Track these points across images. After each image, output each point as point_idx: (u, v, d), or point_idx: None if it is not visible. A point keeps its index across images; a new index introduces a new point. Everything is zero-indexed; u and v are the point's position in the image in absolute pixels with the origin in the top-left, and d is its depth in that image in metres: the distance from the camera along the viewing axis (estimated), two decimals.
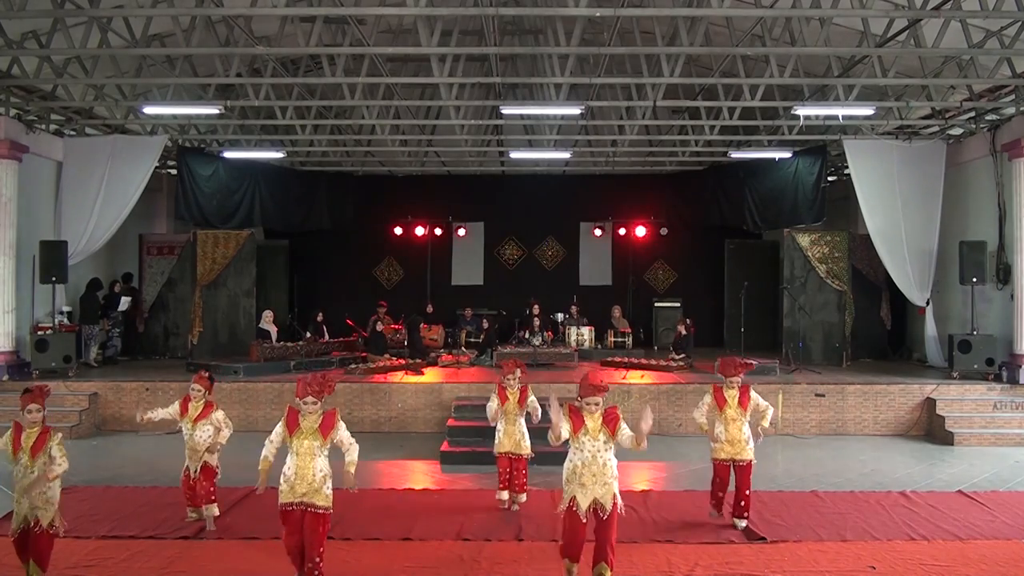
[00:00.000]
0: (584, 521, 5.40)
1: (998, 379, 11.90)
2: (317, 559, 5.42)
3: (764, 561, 6.26)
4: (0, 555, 6.08)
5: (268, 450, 5.60)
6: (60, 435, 5.61)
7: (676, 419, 11.52)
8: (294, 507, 5.38)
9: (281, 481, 5.45)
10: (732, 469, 7.12)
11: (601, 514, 5.39)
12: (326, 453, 5.51)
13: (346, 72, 11.78)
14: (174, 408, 7.06)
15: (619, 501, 5.45)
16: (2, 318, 11.99)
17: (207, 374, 7.21)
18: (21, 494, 5.41)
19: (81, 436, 11.06)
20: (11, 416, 11.54)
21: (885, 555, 6.38)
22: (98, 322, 14.09)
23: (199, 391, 7.04)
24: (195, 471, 6.96)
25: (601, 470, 5.38)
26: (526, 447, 7.60)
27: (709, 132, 14.25)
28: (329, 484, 5.47)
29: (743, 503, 7.05)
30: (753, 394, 7.21)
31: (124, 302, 14.69)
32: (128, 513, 7.40)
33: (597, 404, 5.46)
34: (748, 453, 7.10)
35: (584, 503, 5.38)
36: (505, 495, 7.60)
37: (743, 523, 7.04)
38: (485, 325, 15.39)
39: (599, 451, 5.40)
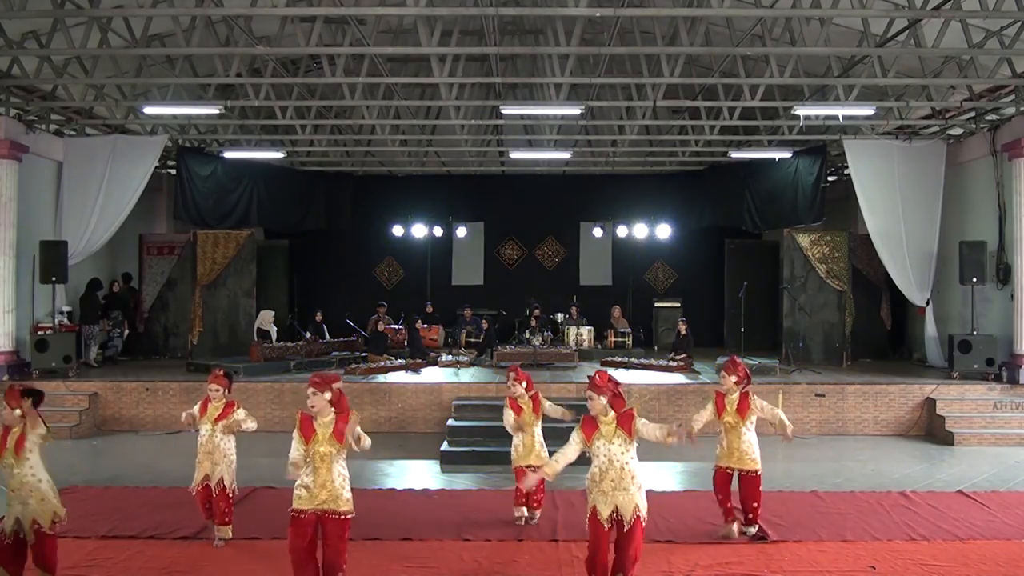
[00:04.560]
0: (607, 529, 5.17)
1: (998, 379, 11.89)
2: (344, 565, 5.23)
3: (764, 561, 6.25)
4: None
5: (297, 456, 5.21)
6: (41, 431, 5.43)
7: (676, 419, 11.47)
8: (309, 513, 5.17)
9: (298, 487, 5.23)
10: (737, 479, 6.77)
11: (623, 525, 5.16)
12: (343, 458, 5.29)
13: (346, 72, 11.78)
14: (195, 409, 6.67)
15: (643, 513, 5.19)
16: (2, 318, 12.00)
17: (222, 371, 6.74)
18: (12, 497, 5.30)
19: (81, 436, 11.06)
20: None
21: (885, 555, 6.38)
22: (98, 322, 14.10)
23: (217, 391, 6.56)
24: (216, 481, 6.51)
25: (619, 475, 5.16)
26: (546, 456, 7.05)
27: (709, 132, 14.25)
28: (348, 487, 5.29)
29: (751, 515, 6.78)
30: (754, 400, 6.75)
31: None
32: (128, 513, 7.40)
33: (591, 399, 5.26)
34: (750, 463, 6.70)
35: (604, 511, 5.16)
36: (524, 511, 7.18)
37: (753, 529, 6.80)
38: (485, 325, 15.39)
39: (615, 456, 5.19)
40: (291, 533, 5.24)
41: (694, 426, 6.67)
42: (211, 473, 6.53)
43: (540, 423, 7.25)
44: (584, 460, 5.43)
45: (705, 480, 7.77)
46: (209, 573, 6.03)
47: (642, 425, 5.26)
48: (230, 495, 6.59)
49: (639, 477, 5.26)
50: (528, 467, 6.97)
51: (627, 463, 5.22)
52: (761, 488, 6.80)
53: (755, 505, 6.74)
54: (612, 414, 5.29)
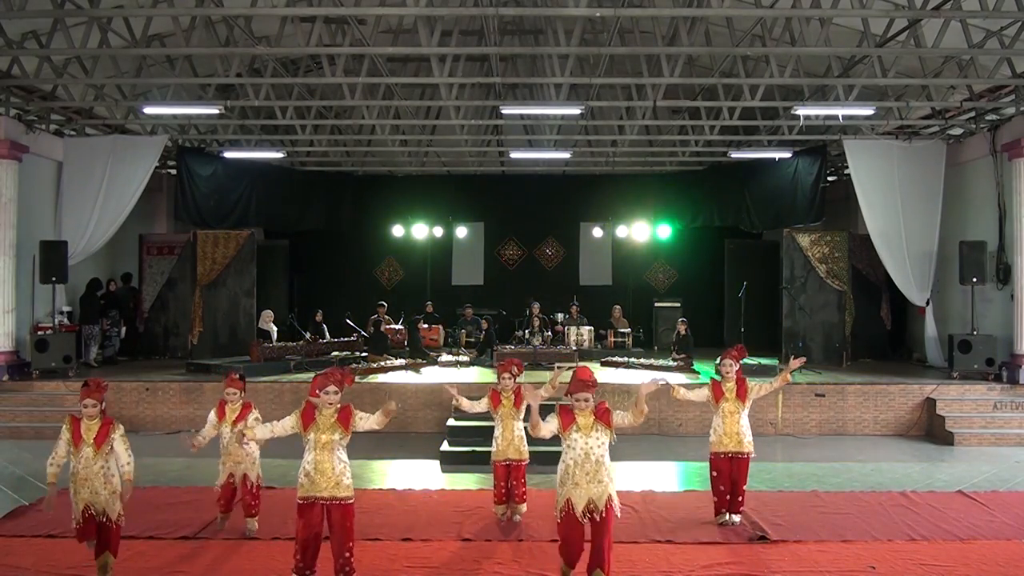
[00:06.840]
0: (582, 523, 5.25)
1: (998, 379, 11.91)
2: (347, 554, 5.36)
3: (764, 561, 6.25)
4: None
5: (263, 432, 5.53)
6: (122, 427, 5.81)
7: (676, 419, 11.52)
8: (314, 501, 5.31)
9: (300, 475, 5.37)
10: (730, 463, 7.01)
11: (596, 516, 5.22)
12: (344, 446, 5.45)
13: (346, 72, 11.78)
14: (211, 417, 6.80)
15: (615, 503, 5.27)
16: (2, 318, 12.00)
17: (237, 375, 6.95)
18: (81, 484, 5.61)
19: None
20: (11, 416, 11.53)
21: (885, 555, 6.37)
22: (98, 322, 14.10)
23: (234, 394, 6.80)
24: (240, 477, 6.74)
25: (595, 468, 5.24)
26: (525, 451, 7.23)
27: (709, 132, 14.25)
28: (349, 475, 5.43)
29: (740, 498, 7.05)
30: (750, 382, 7.15)
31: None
32: (128, 513, 7.34)
33: (587, 400, 5.32)
34: (748, 445, 7.02)
35: (580, 504, 5.22)
36: (502, 509, 7.24)
37: (737, 518, 7.03)
38: (484, 325, 15.39)
39: (592, 449, 5.26)
40: (300, 524, 5.36)
41: (682, 392, 7.12)
42: (235, 471, 6.74)
43: (521, 417, 7.31)
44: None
45: (705, 480, 7.78)
46: (210, 573, 6.03)
47: (619, 417, 5.39)
48: (255, 489, 6.78)
49: (612, 470, 5.37)
50: (506, 461, 7.19)
51: (603, 456, 5.31)
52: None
53: (743, 488, 7.06)
54: (591, 408, 5.39)
